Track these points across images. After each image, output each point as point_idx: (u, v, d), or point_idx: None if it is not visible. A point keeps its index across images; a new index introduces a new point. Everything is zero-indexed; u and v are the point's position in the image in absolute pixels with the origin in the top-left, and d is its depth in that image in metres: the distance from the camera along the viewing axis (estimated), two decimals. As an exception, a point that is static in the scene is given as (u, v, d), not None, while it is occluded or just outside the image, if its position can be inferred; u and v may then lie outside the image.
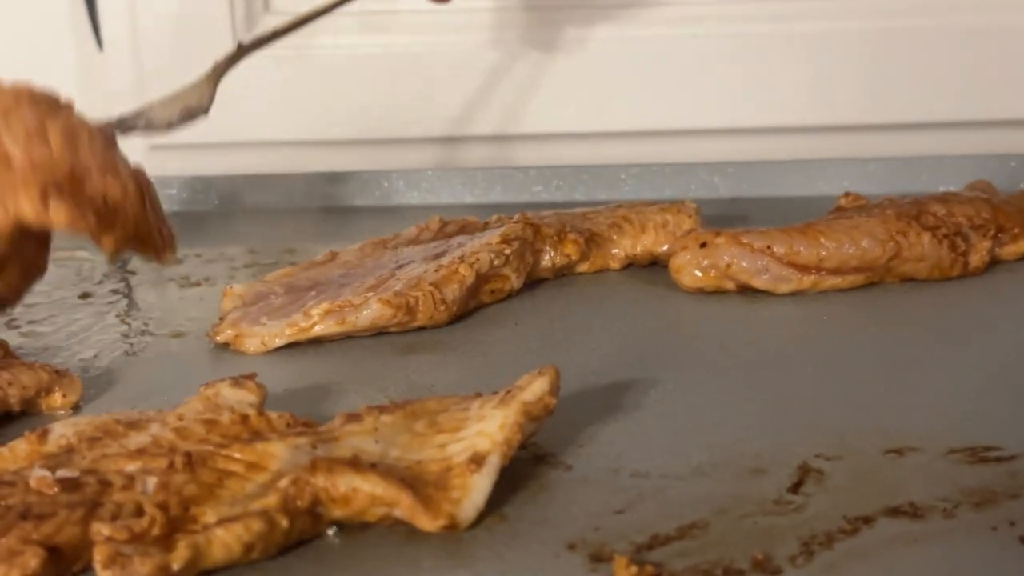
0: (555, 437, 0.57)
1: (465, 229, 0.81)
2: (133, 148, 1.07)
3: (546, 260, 0.77)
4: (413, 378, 0.66)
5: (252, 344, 0.69)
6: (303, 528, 0.49)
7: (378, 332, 0.70)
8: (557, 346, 0.69)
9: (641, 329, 0.71)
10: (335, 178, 0.99)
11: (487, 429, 0.52)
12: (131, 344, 0.72)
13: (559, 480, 0.54)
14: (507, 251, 0.75)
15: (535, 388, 0.54)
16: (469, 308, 0.73)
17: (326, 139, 1.06)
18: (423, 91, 1.04)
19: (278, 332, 0.69)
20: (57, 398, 0.63)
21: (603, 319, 0.73)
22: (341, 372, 0.66)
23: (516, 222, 0.77)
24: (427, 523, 0.49)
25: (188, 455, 0.50)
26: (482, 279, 0.73)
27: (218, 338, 0.70)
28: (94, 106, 1.08)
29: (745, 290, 0.74)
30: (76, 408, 0.63)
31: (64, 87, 1.06)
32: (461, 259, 0.73)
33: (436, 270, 0.72)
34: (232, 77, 1.06)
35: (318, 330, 0.69)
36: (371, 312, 0.69)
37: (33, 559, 0.46)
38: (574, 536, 0.49)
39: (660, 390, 0.62)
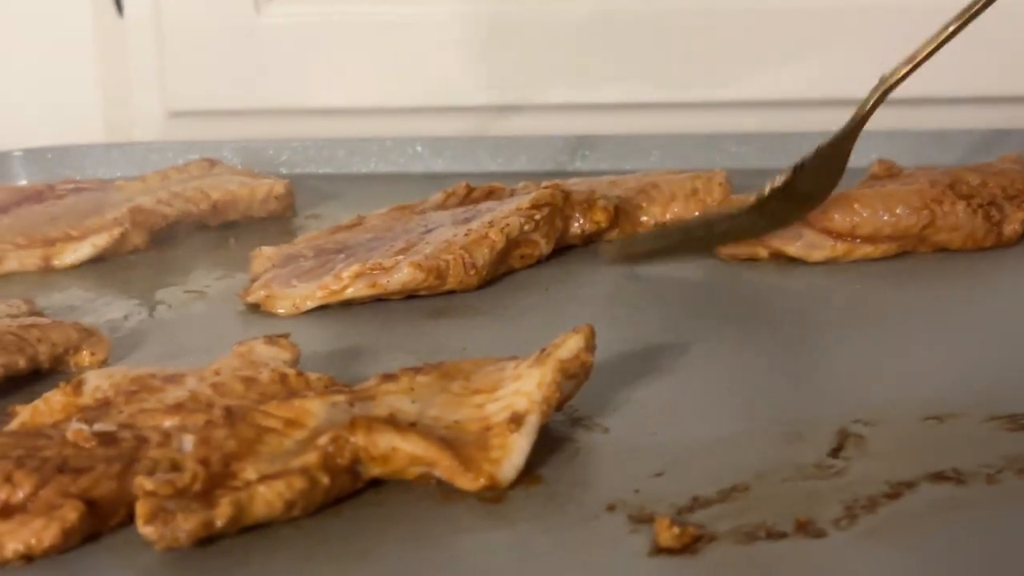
0: (590, 400, 0.56)
1: (492, 195, 0.80)
2: (150, 115, 1.09)
3: (575, 227, 0.77)
4: (443, 341, 0.65)
5: (284, 306, 0.69)
6: (342, 486, 0.49)
7: (407, 295, 0.70)
8: (587, 311, 0.68)
9: (672, 295, 0.71)
10: (359, 144, 0.99)
11: (525, 388, 0.52)
12: (157, 305, 0.71)
13: (596, 443, 0.54)
14: (537, 216, 0.74)
15: (570, 345, 0.53)
16: (498, 273, 0.73)
17: (349, 107, 1.06)
18: (447, 59, 1.03)
19: (309, 294, 0.69)
20: (85, 356, 0.62)
21: (634, 285, 0.72)
22: (371, 335, 0.66)
23: (546, 188, 0.77)
24: (467, 483, 0.49)
25: (227, 409, 0.49)
26: (512, 244, 0.73)
27: (249, 299, 0.69)
28: (114, 74, 1.09)
29: (777, 257, 0.73)
30: (103, 367, 0.63)
31: (82, 55, 1.08)
32: (491, 224, 0.72)
33: (466, 234, 0.72)
34: (251, 43, 1.07)
35: (349, 292, 0.69)
36: (402, 275, 0.69)
37: (72, 512, 0.46)
38: (613, 498, 0.49)
39: (694, 355, 0.62)
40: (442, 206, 0.79)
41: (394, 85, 1.06)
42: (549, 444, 0.52)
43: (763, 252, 0.73)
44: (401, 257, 0.70)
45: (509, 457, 0.49)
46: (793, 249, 0.72)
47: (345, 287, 0.69)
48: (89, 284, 0.75)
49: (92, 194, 0.84)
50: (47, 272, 0.76)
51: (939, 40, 0.69)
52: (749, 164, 0.93)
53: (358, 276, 0.69)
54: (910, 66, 0.69)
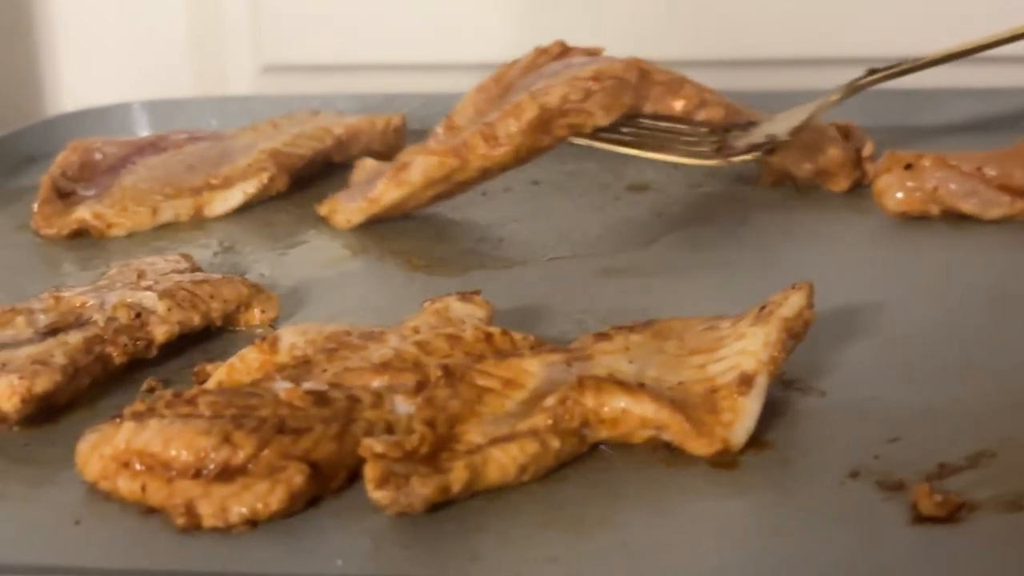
0: (797, 362, 0.53)
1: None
2: (242, 69, 1.07)
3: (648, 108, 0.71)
4: (620, 301, 0.62)
5: (338, 221, 0.72)
6: (570, 450, 0.46)
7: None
8: (762, 270, 0.66)
9: (846, 255, 0.68)
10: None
11: (750, 348, 0.49)
12: (314, 264, 0.69)
13: (816, 406, 0.51)
14: (595, 88, 0.68)
15: (792, 303, 0.51)
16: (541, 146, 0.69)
17: (444, 62, 1.03)
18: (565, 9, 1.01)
19: (357, 208, 0.71)
20: (256, 314, 0.60)
21: (800, 245, 0.70)
22: (543, 296, 0.63)
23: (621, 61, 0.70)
24: (700, 447, 0.46)
25: (446, 369, 0.47)
26: (553, 114, 0.68)
27: (321, 212, 0.73)
28: (207, 29, 1.07)
29: (948, 215, 0.70)
30: (273, 326, 0.60)
31: (176, 10, 1.06)
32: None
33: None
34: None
35: (386, 200, 0.71)
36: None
37: (297, 475, 0.43)
38: (854, 464, 0.46)
39: (891, 316, 0.59)
40: (532, 65, 0.74)
41: (495, 40, 1.03)
42: (767, 408, 0.49)
43: (935, 209, 0.70)
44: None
45: (741, 420, 0.47)
46: (967, 206, 0.69)
47: (381, 195, 0.71)
48: (236, 237, 0.73)
49: (211, 143, 0.81)
50: (197, 222, 0.74)
51: (928, 60, 0.73)
52: (886, 121, 0.90)
53: (388, 182, 0.70)
54: (883, 75, 0.74)
